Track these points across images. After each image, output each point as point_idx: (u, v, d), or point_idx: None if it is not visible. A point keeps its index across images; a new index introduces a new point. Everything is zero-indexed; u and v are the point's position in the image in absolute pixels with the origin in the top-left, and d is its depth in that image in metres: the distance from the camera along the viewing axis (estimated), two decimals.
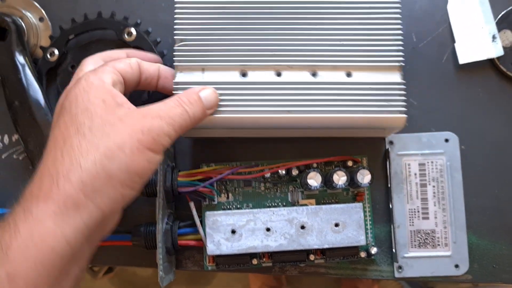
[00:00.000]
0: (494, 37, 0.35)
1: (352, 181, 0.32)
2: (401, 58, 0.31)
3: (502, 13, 0.36)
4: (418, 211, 0.34)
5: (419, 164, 0.34)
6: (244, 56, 0.31)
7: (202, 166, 0.34)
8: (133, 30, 0.36)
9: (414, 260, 0.33)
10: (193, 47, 0.32)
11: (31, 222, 0.22)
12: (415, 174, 0.34)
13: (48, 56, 0.37)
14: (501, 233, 0.33)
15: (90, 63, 0.30)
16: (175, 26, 0.32)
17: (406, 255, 0.33)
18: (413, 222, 0.33)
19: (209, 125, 0.31)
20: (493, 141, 0.35)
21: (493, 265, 0.33)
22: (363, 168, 0.31)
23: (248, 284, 0.88)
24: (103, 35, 0.37)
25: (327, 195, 0.34)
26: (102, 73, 0.27)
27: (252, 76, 0.31)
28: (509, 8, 0.36)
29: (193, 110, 0.28)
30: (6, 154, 0.38)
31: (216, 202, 0.34)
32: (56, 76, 0.38)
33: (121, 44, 0.37)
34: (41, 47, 0.37)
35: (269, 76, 0.31)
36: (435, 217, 0.33)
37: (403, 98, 0.30)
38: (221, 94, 0.31)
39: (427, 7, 0.37)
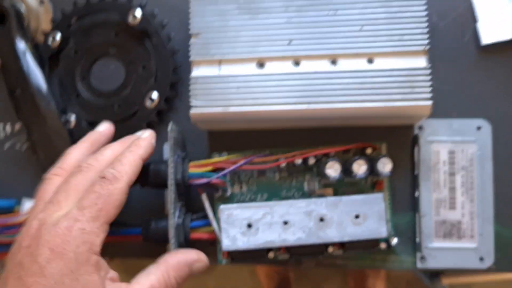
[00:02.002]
0: None
1: (371, 169, 0.30)
2: (426, 41, 0.29)
3: None
4: (445, 201, 0.32)
5: (449, 152, 0.32)
6: (260, 46, 0.30)
7: (213, 155, 0.33)
8: (138, 13, 0.33)
9: (438, 251, 0.32)
10: (209, 40, 0.30)
11: None
12: (444, 162, 0.32)
13: (50, 41, 0.34)
14: None
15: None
16: (190, 20, 0.30)
17: (430, 245, 0.32)
18: (439, 212, 0.32)
19: (226, 118, 0.30)
20: None
21: None
22: (384, 156, 0.30)
23: (254, 269, 0.89)
24: (107, 18, 0.35)
25: (345, 183, 0.33)
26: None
27: (270, 67, 0.30)
28: None
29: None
30: (9, 144, 0.36)
31: (229, 194, 0.33)
32: (58, 62, 0.35)
33: (125, 27, 0.34)
34: (43, 32, 0.35)
35: (287, 66, 0.30)
36: (462, 208, 0.32)
37: (429, 83, 0.29)
38: (238, 87, 0.29)
39: None
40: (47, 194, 0.27)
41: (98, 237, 0.24)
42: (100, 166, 0.27)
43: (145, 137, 0.29)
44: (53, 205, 0.25)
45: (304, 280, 0.90)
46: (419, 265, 0.32)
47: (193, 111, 0.30)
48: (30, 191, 0.32)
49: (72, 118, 0.34)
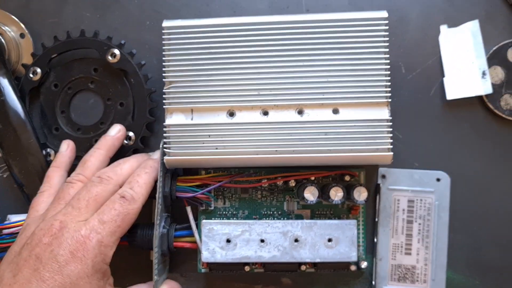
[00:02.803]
0: (484, 74, 0.34)
1: (348, 195, 0.32)
2: (389, 94, 0.31)
3: (494, 48, 0.34)
4: (402, 246, 0.34)
5: (408, 201, 0.34)
6: (231, 97, 0.31)
7: (200, 172, 0.35)
8: (117, 52, 0.34)
9: None
10: (182, 89, 0.31)
11: None
12: (403, 210, 0.34)
13: (31, 75, 0.35)
14: (475, 269, 0.35)
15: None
16: (163, 69, 0.31)
17: (385, 287, 0.34)
18: (395, 257, 0.34)
19: (198, 165, 0.31)
20: (476, 178, 0.35)
21: None
22: (360, 185, 0.32)
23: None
24: (86, 54, 0.35)
25: (322, 206, 0.35)
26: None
27: (240, 116, 0.31)
28: (501, 43, 0.34)
29: None
30: None
31: (212, 208, 0.35)
32: (39, 95, 0.36)
33: (105, 63, 0.35)
34: (23, 65, 0.36)
35: (256, 116, 0.31)
36: (417, 254, 0.34)
37: (390, 135, 0.30)
38: (209, 135, 0.31)
39: (418, 37, 0.35)
40: (68, 196, 0.30)
41: (111, 250, 0.28)
42: (118, 180, 0.30)
43: (157, 159, 0.32)
44: (74, 210, 0.28)
45: None
46: None
47: (167, 157, 0.31)
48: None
49: (52, 152, 0.35)
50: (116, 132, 0.34)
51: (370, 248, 0.35)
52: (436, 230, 0.34)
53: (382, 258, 0.34)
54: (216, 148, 0.31)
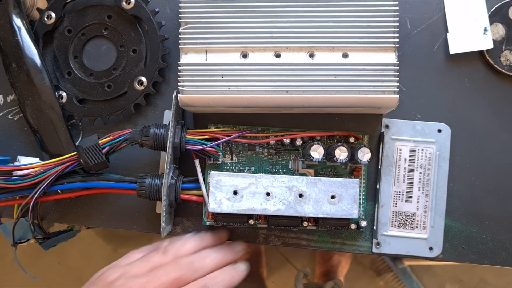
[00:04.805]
0: (485, 30, 0.35)
1: (352, 157, 0.33)
2: (397, 40, 0.32)
3: (496, 6, 0.36)
4: (403, 194, 0.36)
5: (410, 150, 0.36)
6: (245, 38, 0.32)
7: (209, 126, 0.35)
8: None
9: (392, 238, 0.36)
10: (197, 30, 0.32)
11: None
12: (405, 159, 0.36)
13: (45, 19, 0.36)
14: (472, 218, 0.36)
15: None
16: (180, 10, 0.32)
17: (385, 233, 0.35)
18: (396, 204, 0.36)
19: (211, 104, 0.32)
20: (476, 130, 0.36)
21: (463, 246, 0.36)
22: (364, 146, 0.33)
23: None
24: (101, 0, 0.36)
25: (326, 166, 0.36)
26: None
27: (252, 57, 0.32)
28: (503, 1, 0.36)
29: None
30: (1, 114, 0.38)
31: (220, 162, 0.35)
32: (52, 39, 0.37)
33: (119, 10, 0.36)
34: (38, 9, 0.36)
35: (268, 57, 0.32)
36: (418, 202, 0.35)
37: (397, 79, 0.31)
38: (222, 75, 0.32)
39: None
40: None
41: None
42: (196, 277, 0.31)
43: (243, 270, 0.33)
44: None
45: (275, 254, 0.94)
46: (375, 250, 0.36)
47: (180, 95, 0.32)
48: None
49: (64, 94, 0.36)
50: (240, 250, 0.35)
51: (372, 195, 0.36)
52: (436, 179, 0.35)
53: (384, 205, 0.36)
54: (229, 88, 0.32)
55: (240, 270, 0.33)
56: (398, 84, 0.31)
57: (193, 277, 0.30)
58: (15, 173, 0.34)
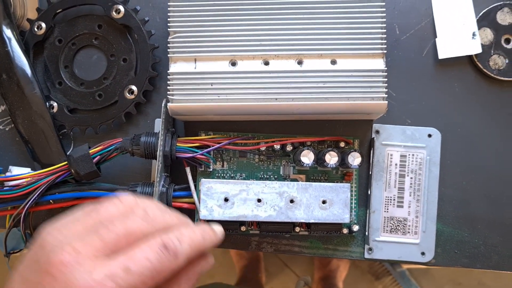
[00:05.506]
0: (474, 34, 0.35)
1: (342, 161, 0.33)
2: (384, 46, 0.32)
3: (484, 10, 0.36)
4: (394, 199, 0.36)
5: (401, 155, 0.36)
6: (233, 46, 0.32)
7: (200, 134, 0.36)
8: (121, 8, 0.35)
9: (384, 244, 0.36)
10: (186, 38, 0.32)
11: None
12: (396, 165, 0.36)
13: (35, 29, 0.36)
14: (464, 222, 0.36)
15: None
16: (168, 19, 0.32)
17: (377, 238, 0.36)
18: (388, 209, 0.36)
19: (201, 112, 0.32)
20: (466, 135, 0.36)
21: (455, 250, 0.36)
22: (354, 150, 0.33)
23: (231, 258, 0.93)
24: (91, 10, 0.36)
25: (317, 171, 0.36)
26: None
27: (241, 65, 0.32)
28: (491, 6, 0.36)
29: None
30: None
31: (211, 169, 0.35)
32: (43, 49, 0.37)
33: (109, 20, 0.36)
34: (28, 20, 0.36)
35: (257, 65, 0.32)
36: (409, 207, 0.36)
37: (385, 85, 0.32)
38: (212, 84, 0.32)
39: None
40: (104, 215, 0.23)
41: None
42: (164, 224, 0.24)
43: (219, 235, 0.27)
44: (98, 239, 0.22)
45: (274, 259, 0.94)
46: (367, 255, 0.36)
47: (170, 104, 0.32)
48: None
49: (55, 104, 0.36)
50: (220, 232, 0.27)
51: (364, 201, 0.36)
52: (427, 184, 0.35)
53: (376, 211, 0.36)
54: (218, 96, 0.32)
55: (214, 230, 0.26)
56: (386, 90, 0.32)
57: (148, 229, 0.23)
58: (6, 183, 0.34)
